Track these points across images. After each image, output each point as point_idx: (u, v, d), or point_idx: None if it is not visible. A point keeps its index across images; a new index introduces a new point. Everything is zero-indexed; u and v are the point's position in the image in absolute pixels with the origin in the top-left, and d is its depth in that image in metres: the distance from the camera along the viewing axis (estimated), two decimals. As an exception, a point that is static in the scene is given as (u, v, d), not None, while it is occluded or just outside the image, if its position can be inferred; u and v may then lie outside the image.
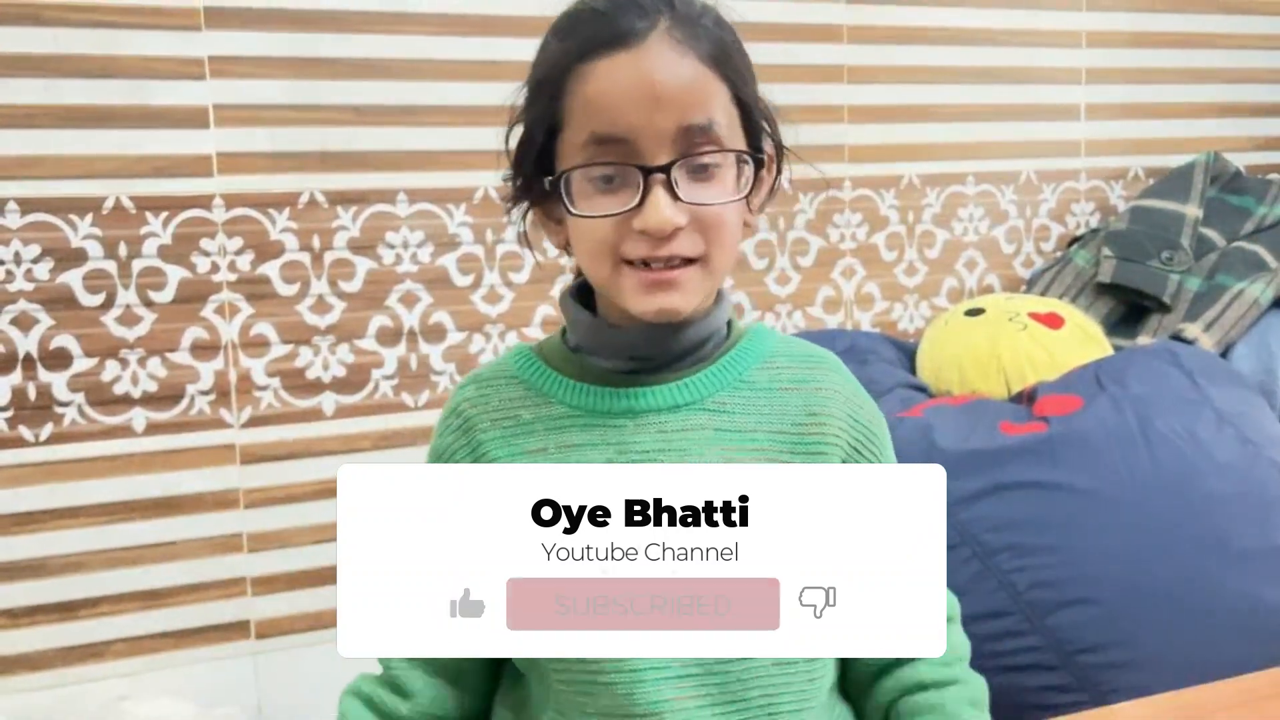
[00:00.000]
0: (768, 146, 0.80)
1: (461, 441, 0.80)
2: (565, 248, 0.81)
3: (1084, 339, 1.75)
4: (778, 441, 0.79)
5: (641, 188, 0.73)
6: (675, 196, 0.73)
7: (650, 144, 0.73)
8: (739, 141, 0.77)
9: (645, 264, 0.74)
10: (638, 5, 0.76)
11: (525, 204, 0.81)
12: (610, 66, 0.74)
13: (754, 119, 0.79)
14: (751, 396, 0.80)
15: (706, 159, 0.75)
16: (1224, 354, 1.83)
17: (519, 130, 0.80)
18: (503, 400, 0.80)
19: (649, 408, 0.78)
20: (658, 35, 0.74)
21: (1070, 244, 2.20)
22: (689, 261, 0.75)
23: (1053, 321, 1.75)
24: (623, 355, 0.80)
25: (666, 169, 0.73)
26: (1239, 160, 2.27)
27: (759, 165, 0.78)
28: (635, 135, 0.73)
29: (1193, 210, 2.08)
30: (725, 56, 0.76)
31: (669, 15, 0.75)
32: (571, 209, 0.74)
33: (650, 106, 0.73)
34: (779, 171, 0.82)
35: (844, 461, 0.81)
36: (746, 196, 0.77)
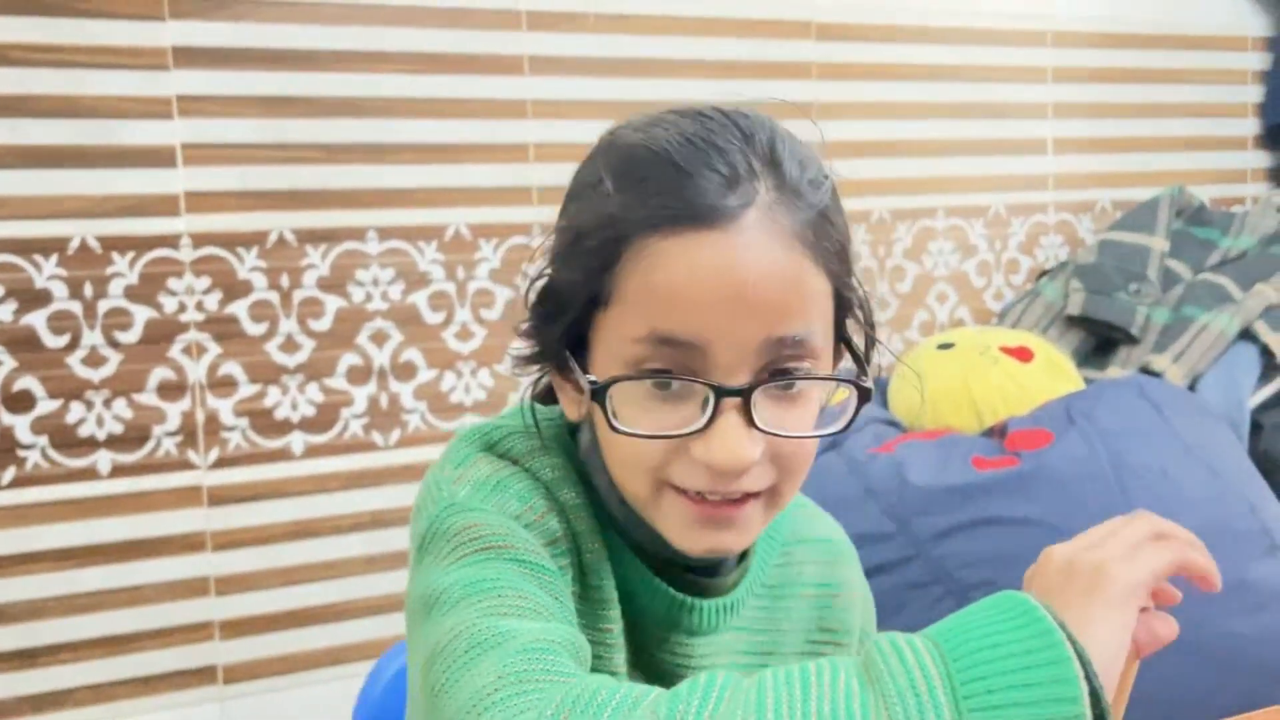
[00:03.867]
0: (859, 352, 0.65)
1: (569, 547, 0.64)
2: (586, 418, 0.66)
3: (1054, 372, 1.76)
4: (792, 660, 0.72)
5: (711, 409, 0.58)
6: (751, 422, 0.58)
7: (727, 355, 0.58)
8: (829, 339, 0.62)
9: (698, 493, 0.60)
10: (731, 166, 0.59)
11: (539, 362, 0.67)
12: (690, 249, 0.58)
13: (847, 310, 0.64)
14: (773, 607, 0.71)
15: (799, 381, 0.60)
16: (1191, 385, 1.85)
17: (545, 268, 0.65)
18: (584, 534, 0.65)
19: (699, 629, 0.67)
20: (755, 213, 0.58)
21: (1040, 277, 2.21)
22: (753, 495, 0.61)
23: (1023, 355, 1.76)
24: (674, 564, 0.66)
25: (747, 392, 0.58)
26: (1204, 193, 2.30)
27: (863, 395, 0.61)
28: (711, 343, 0.58)
29: (1159, 243, 2.10)
30: (833, 242, 0.61)
31: (772, 181, 0.59)
32: (614, 423, 0.59)
33: (736, 311, 0.57)
34: (868, 362, 0.66)
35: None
36: (845, 427, 0.61)
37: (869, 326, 0.65)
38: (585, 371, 0.61)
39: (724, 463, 0.58)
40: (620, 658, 0.65)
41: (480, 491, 0.62)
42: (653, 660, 0.67)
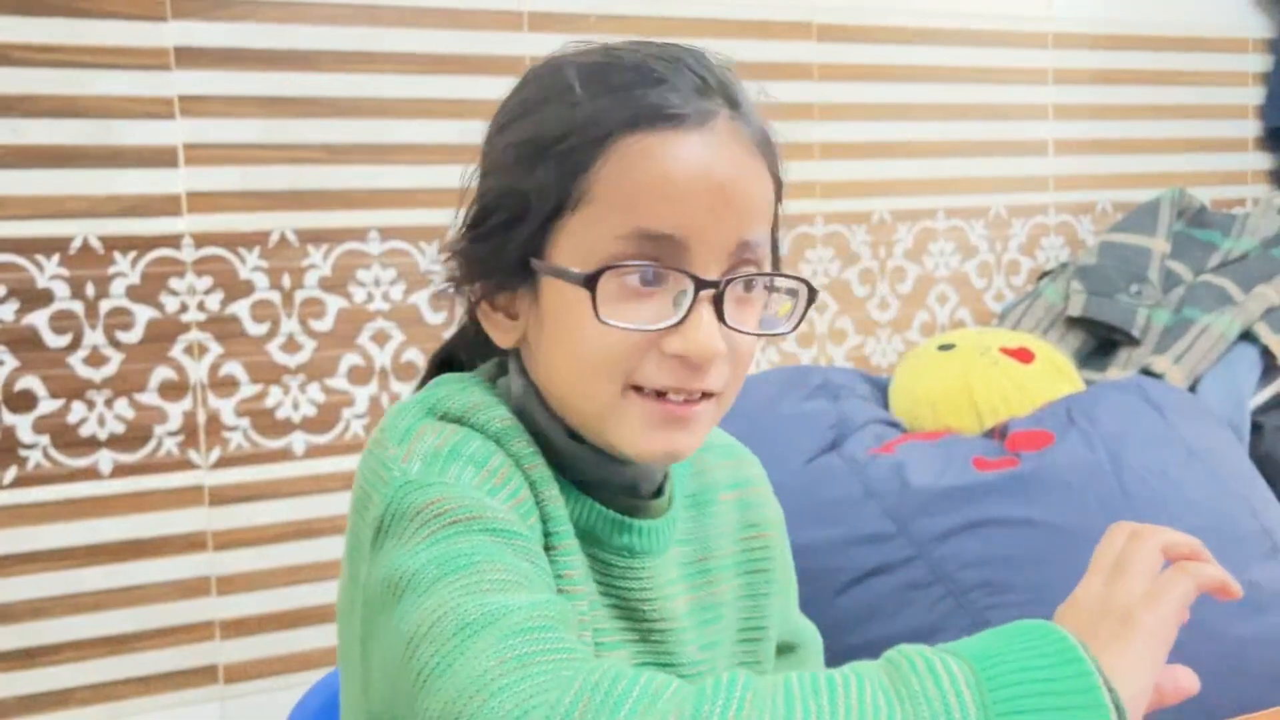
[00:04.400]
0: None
1: (531, 501, 0.64)
2: (514, 347, 0.67)
3: (1054, 373, 1.76)
4: (731, 566, 0.74)
5: (689, 302, 0.60)
6: (721, 318, 0.61)
7: (704, 252, 0.61)
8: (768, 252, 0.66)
9: (659, 395, 0.62)
10: (700, 78, 0.63)
11: (473, 277, 0.67)
12: (672, 147, 0.61)
13: (775, 230, 0.67)
14: (699, 516, 0.73)
15: (756, 281, 0.63)
16: (1192, 387, 1.85)
17: (480, 186, 0.67)
18: (531, 472, 0.65)
19: (643, 549, 0.68)
20: (724, 120, 0.62)
21: (1040, 278, 2.22)
22: (707, 396, 0.63)
23: (1023, 356, 1.76)
24: (620, 491, 0.68)
25: (722, 287, 0.61)
26: (1204, 195, 2.30)
27: (812, 295, 0.66)
28: (692, 240, 0.60)
29: (1160, 244, 2.10)
30: (775, 160, 0.65)
31: (731, 96, 0.63)
32: (601, 315, 0.60)
33: (715, 207, 0.61)
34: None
35: (778, 562, 0.78)
36: (794, 328, 0.65)
37: (776, 250, 0.69)
38: (556, 271, 0.62)
39: (699, 352, 0.60)
40: (585, 597, 0.65)
41: (434, 464, 0.60)
42: (613, 590, 0.67)
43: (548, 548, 0.63)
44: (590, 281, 0.60)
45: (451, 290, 0.69)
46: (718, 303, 0.61)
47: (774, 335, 0.66)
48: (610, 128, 0.61)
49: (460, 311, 0.73)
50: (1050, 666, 0.48)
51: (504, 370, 0.70)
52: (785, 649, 0.82)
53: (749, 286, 0.63)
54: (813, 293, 0.65)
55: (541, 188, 0.62)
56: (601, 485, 0.67)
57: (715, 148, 0.61)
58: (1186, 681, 0.57)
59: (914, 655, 0.50)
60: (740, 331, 0.62)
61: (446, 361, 0.75)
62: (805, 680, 0.49)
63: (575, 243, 0.62)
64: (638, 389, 0.62)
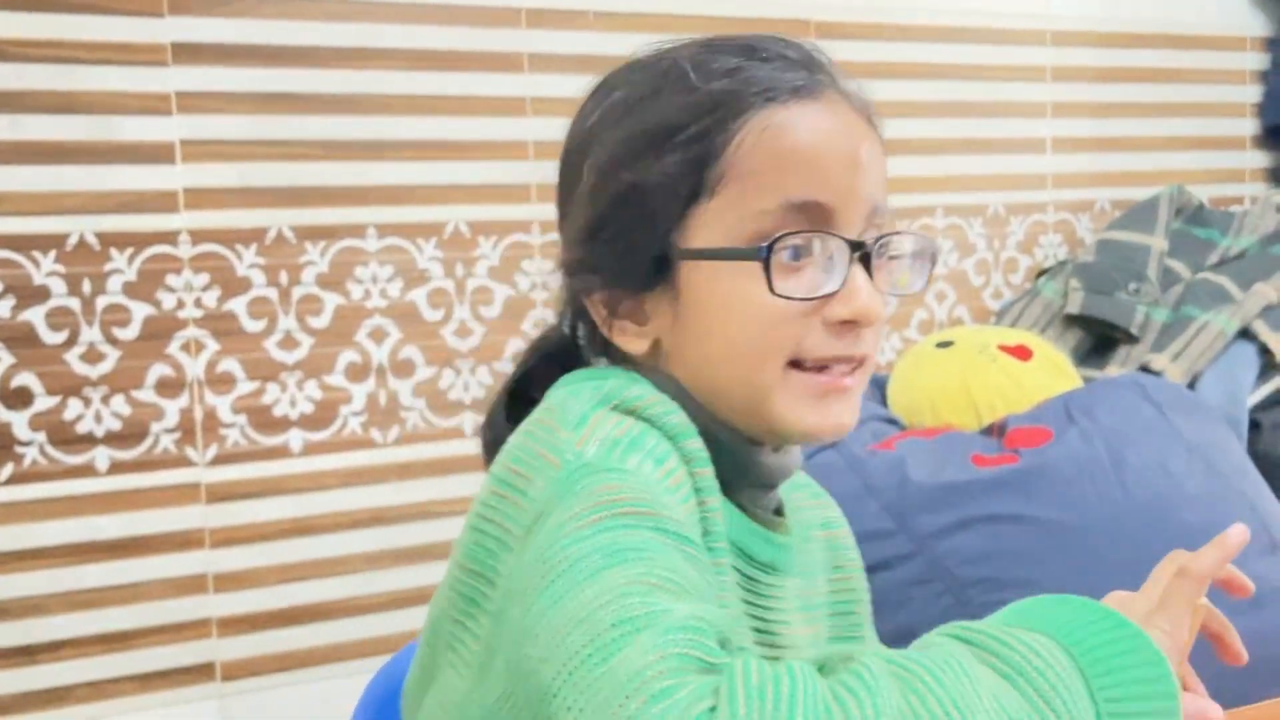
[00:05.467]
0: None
1: (699, 508, 0.61)
2: (646, 352, 0.64)
3: (1053, 370, 1.76)
4: (823, 606, 0.73)
5: (846, 267, 0.61)
6: (871, 278, 0.62)
7: (849, 217, 0.62)
8: None
9: (818, 368, 0.62)
10: (799, 53, 0.64)
11: (595, 287, 0.65)
12: (811, 116, 0.62)
13: None
14: (802, 549, 0.71)
15: (890, 243, 0.64)
16: (1190, 385, 1.85)
17: (594, 189, 0.64)
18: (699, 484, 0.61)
19: (783, 567, 0.67)
20: (835, 93, 0.64)
21: (1038, 276, 2.21)
22: (860, 363, 0.63)
23: (1022, 353, 1.76)
24: (758, 487, 0.66)
25: (869, 246, 0.62)
26: (1202, 193, 2.30)
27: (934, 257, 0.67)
28: (838, 206, 0.61)
29: (1159, 242, 2.10)
30: (881, 134, 0.67)
31: (830, 77, 0.65)
32: (776, 287, 0.60)
33: (855, 173, 0.62)
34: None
35: (863, 606, 0.77)
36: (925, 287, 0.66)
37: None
38: (719, 253, 0.61)
39: (865, 314, 0.60)
40: (735, 612, 0.63)
41: (613, 450, 0.57)
42: (755, 607, 0.65)
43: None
44: (765, 255, 0.59)
45: (580, 289, 0.66)
46: (865, 265, 0.61)
47: (908, 295, 0.67)
48: (739, 106, 0.61)
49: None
50: (1138, 658, 0.51)
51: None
52: None
53: (886, 245, 0.63)
54: (936, 253, 0.67)
55: (671, 178, 0.61)
56: (742, 488, 0.65)
57: (837, 115, 0.63)
58: (1214, 713, 0.60)
59: (1011, 639, 0.51)
60: (887, 294, 0.63)
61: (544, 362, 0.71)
62: (933, 664, 0.48)
63: (716, 227, 0.61)
64: (796, 365, 0.62)
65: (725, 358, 0.62)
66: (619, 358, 0.67)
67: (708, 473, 0.61)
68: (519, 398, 0.69)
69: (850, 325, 0.61)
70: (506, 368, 1.78)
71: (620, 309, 0.65)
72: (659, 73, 0.64)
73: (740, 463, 0.64)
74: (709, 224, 0.61)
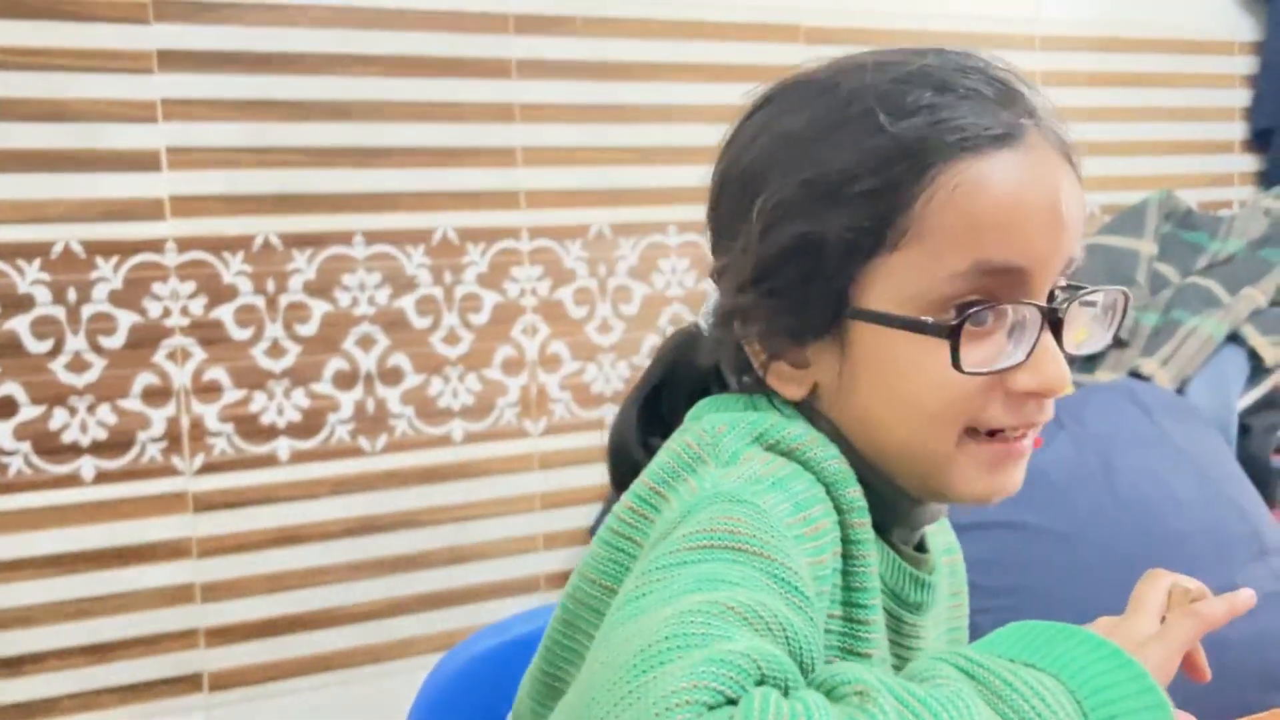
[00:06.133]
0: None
1: (835, 567, 0.58)
2: (802, 400, 0.61)
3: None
4: (945, 637, 0.71)
5: (1036, 334, 0.56)
6: (1060, 343, 0.58)
7: (1042, 278, 0.57)
8: None
9: (991, 434, 0.59)
10: (998, 87, 0.58)
11: (755, 335, 0.61)
12: (1007, 170, 0.56)
13: None
14: (939, 581, 0.69)
15: (1089, 298, 0.60)
16: (1180, 389, 1.85)
17: (763, 235, 0.58)
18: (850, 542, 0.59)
19: (929, 605, 0.65)
20: (1034, 135, 0.58)
21: (1029, 281, 2.22)
22: (1033, 427, 0.60)
23: (1012, 359, 1.76)
24: (907, 528, 0.64)
25: (1062, 310, 0.57)
26: (1191, 197, 2.30)
27: (1127, 304, 0.63)
28: (1034, 268, 0.56)
29: (1148, 247, 2.10)
30: (1079, 167, 0.61)
31: (1029, 113, 0.59)
32: (962, 364, 0.55)
33: (1053, 231, 0.56)
34: None
35: (967, 635, 0.75)
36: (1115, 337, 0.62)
37: None
38: (900, 322, 0.56)
39: (1055, 386, 0.56)
40: (879, 653, 0.61)
41: (753, 486, 0.54)
42: (899, 648, 0.64)
43: (856, 620, 0.58)
44: (954, 332, 0.55)
45: (744, 336, 0.61)
46: (1054, 328, 0.57)
47: (1092, 354, 0.64)
48: (933, 157, 0.55)
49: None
50: (1130, 684, 0.50)
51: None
52: None
53: (1081, 303, 0.60)
54: (1128, 304, 0.62)
55: (852, 228, 0.56)
56: (892, 528, 0.63)
57: (1039, 164, 0.57)
58: None
59: (1006, 673, 0.49)
60: (1073, 355, 0.59)
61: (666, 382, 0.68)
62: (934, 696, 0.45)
63: (897, 284, 0.56)
64: (972, 432, 0.58)
65: (896, 422, 0.58)
66: (769, 392, 0.64)
67: (865, 524, 0.58)
68: (649, 406, 0.68)
69: (1034, 395, 0.57)
70: (496, 375, 1.77)
71: (780, 353, 0.61)
72: (840, 103, 0.58)
73: (896, 509, 0.62)
74: (889, 281, 0.57)
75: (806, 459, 0.57)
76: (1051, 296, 0.59)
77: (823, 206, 0.57)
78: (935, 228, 0.55)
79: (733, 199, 0.62)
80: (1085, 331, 0.62)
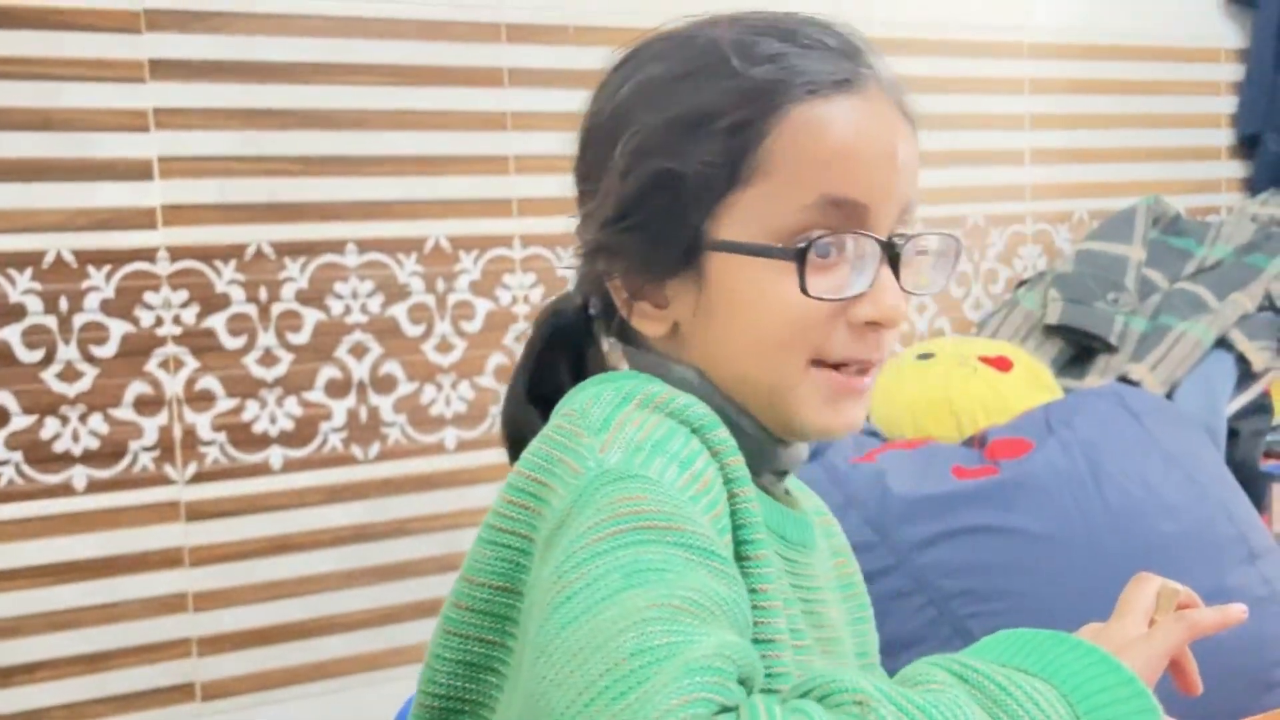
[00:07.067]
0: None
1: (728, 510, 0.59)
2: (666, 336, 0.64)
3: (1033, 381, 1.77)
4: (835, 588, 0.73)
5: (876, 267, 0.61)
6: (898, 279, 0.62)
7: (882, 215, 0.61)
8: None
9: (836, 367, 0.62)
10: (843, 42, 0.63)
11: (618, 270, 0.64)
12: (851, 111, 0.61)
13: None
14: (812, 520, 0.71)
15: (926, 240, 0.64)
16: (1169, 394, 1.86)
17: (625, 173, 0.62)
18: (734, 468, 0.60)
19: (811, 543, 0.67)
20: (874, 86, 0.62)
21: (1018, 287, 2.23)
22: (873, 365, 0.63)
23: (1002, 364, 1.77)
24: (775, 474, 0.67)
25: (899, 247, 0.61)
26: (1179, 203, 2.32)
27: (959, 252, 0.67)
28: (874, 204, 0.61)
29: (1136, 252, 2.11)
30: (915, 126, 0.65)
31: (871, 67, 0.63)
32: (808, 289, 0.59)
33: (892, 170, 0.61)
34: None
35: (862, 589, 0.77)
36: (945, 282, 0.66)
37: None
38: (752, 249, 0.60)
39: (892, 316, 0.60)
40: (783, 600, 0.61)
41: (636, 455, 0.55)
42: (801, 589, 0.65)
43: (745, 556, 0.58)
44: (800, 256, 0.59)
45: (602, 270, 0.64)
46: (893, 265, 0.61)
47: (930, 294, 0.66)
48: (781, 97, 0.60)
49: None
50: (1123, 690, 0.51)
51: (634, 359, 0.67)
52: None
53: (912, 248, 0.63)
54: (960, 251, 0.67)
55: (708, 165, 0.60)
56: (763, 473, 0.65)
57: (880, 111, 0.61)
58: None
59: (1005, 681, 0.50)
60: (911, 293, 0.62)
61: (556, 339, 0.70)
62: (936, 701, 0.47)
63: (749, 218, 0.60)
64: (816, 363, 0.62)
65: (749, 351, 0.62)
66: (634, 339, 0.67)
67: (739, 461, 0.59)
68: (534, 388, 0.69)
69: (874, 326, 0.61)
70: (489, 382, 1.78)
71: (641, 291, 0.64)
72: (696, 51, 0.62)
73: (762, 450, 0.64)
74: (742, 214, 0.61)
75: (672, 409, 0.58)
76: (893, 244, 0.62)
77: (681, 143, 0.60)
78: (783, 164, 0.60)
79: (598, 145, 0.65)
80: (928, 277, 0.66)
